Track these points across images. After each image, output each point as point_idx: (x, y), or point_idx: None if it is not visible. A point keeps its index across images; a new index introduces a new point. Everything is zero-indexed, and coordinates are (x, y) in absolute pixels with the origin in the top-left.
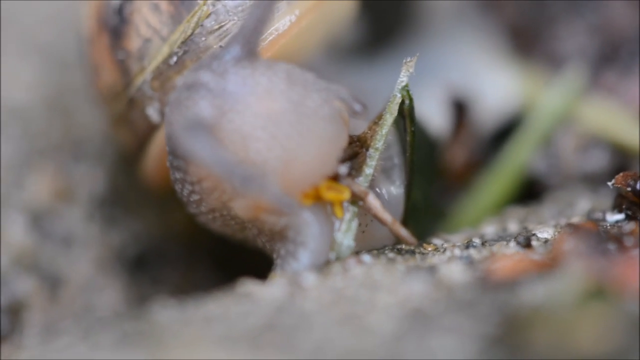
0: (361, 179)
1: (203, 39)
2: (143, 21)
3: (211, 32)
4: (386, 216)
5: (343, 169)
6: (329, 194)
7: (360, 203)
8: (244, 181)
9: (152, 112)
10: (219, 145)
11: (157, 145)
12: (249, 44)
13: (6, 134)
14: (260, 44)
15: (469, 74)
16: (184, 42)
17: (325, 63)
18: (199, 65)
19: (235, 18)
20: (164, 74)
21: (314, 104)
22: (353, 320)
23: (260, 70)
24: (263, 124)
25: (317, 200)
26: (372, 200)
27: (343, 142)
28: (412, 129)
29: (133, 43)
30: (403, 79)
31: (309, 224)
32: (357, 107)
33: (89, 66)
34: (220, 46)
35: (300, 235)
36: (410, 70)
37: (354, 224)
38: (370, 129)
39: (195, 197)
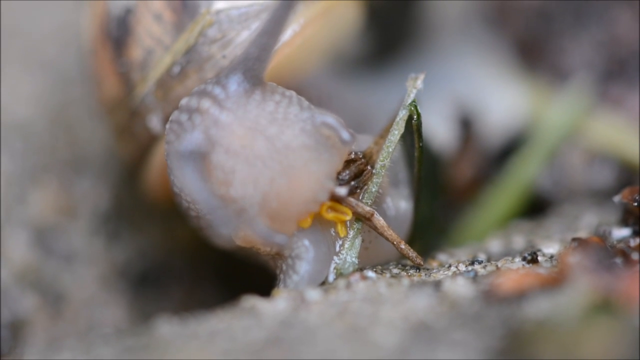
0: (366, 196)
1: (206, 48)
2: (146, 31)
3: (214, 41)
4: (393, 236)
5: (342, 191)
6: (329, 215)
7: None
8: (222, 224)
9: (155, 123)
10: (205, 182)
11: (159, 156)
12: (252, 71)
13: (9, 149)
14: (265, 72)
15: (475, 88)
16: (186, 52)
17: (330, 75)
18: (203, 88)
19: (239, 27)
20: (167, 84)
21: (288, 137)
22: (357, 334)
23: (253, 105)
24: (241, 164)
25: (318, 217)
26: (378, 220)
27: (326, 169)
28: (420, 144)
29: (136, 53)
30: (411, 95)
31: (302, 240)
32: (345, 135)
33: (92, 78)
34: (224, 56)
35: (295, 250)
36: (418, 86)
37: (358, 241)
38: (376, 143)
39: (192, 213)
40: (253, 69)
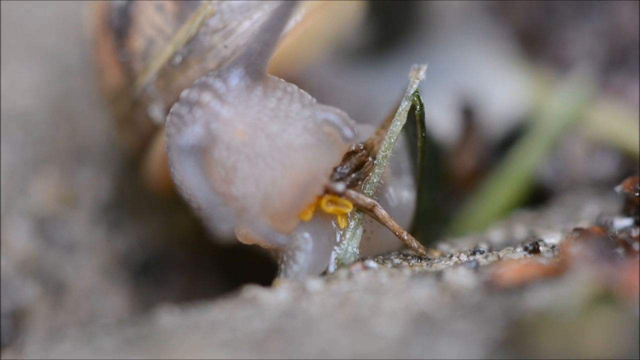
0: (367, 187)
1: (207, 38)
2: (147, 21)
3: (216, 31)
4: (395, 226)
5: (340, 187)
6: (330, 209)
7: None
8: (222, 221)
9: (157, 113)
10: (205, 177)
11: (160, 146)
12: (253, 66)
13: (10, 140)
14: (266, 66)
15: (477, 78)
16: (188, 42)
17: (331, 65)
18: (204, 81)
19: (240, 17)
20: (168, 74)
21: (290, 136)
22: (358, 325)
23: (254, 100)
24: (242, 161)
25: (318, 209)
26: (380, 211)
27: (325, 164)
28: (423, 134)
29: (137, 43)
30: (414, 85)
31: (303, 233)
32: (347, 132)
33: (93, 68)
34: (225, 46)
35: (295, 242)
36: (421, 77)
37: (359, 231)
38: (377, 134)
39: (194, 204)
40: (255, 64)
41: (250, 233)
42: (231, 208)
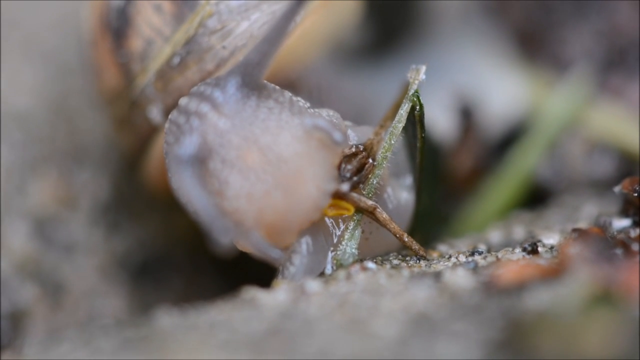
0: (367, 188)
1: (206, 39)
2: (146, 22)
3: (214, 32)
4: (396, 228)
5: (345, 187)
6: (332, 213)
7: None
8: (221, 234)
9: (155, 114)
10: (204, 189)
11: (159, 147)
12: (250, 76)
13: (9, 140)
14: (263, 76)
15: (475, 78)
16: (186, 43)
17: (329, 66)
18: (203, 90)
19: (238, 18)
20: (166, 75)
21: (279, 147)
22: (357, 325)
23: (248, 112)
24: (234, 175)
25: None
26: (381, 214)
27: (322, 171)
28: (423, 135)
29: (136, 44)
30: (414, 86)
31: (299, 236)
32: (337, 136)
33: (92, 68)
34: (224, 47)
35: (292, 246)
36: (420, 78)
37: (357, 232)
38: (376, 134)
39: (191, 209)
40: (252, 74)
41: (245, 245)
42: (229, 220)
